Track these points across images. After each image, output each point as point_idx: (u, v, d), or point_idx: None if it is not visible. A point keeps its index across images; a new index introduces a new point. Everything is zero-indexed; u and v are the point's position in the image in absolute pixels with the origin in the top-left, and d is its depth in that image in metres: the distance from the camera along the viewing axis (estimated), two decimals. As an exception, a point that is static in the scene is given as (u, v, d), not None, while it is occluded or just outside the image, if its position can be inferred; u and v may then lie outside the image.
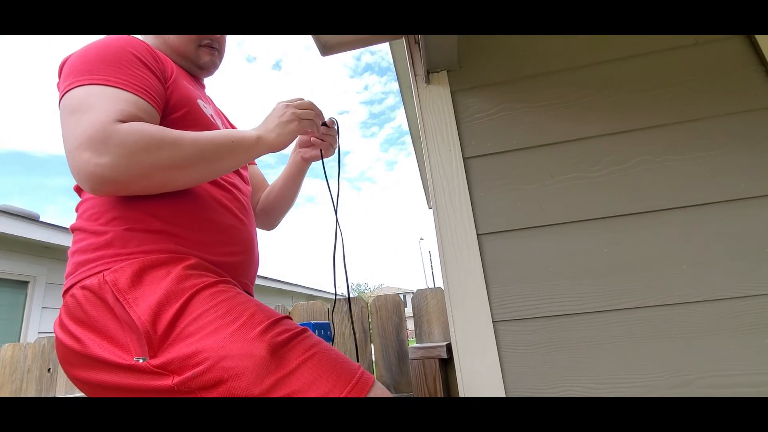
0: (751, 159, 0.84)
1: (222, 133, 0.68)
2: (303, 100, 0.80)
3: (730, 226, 0.81)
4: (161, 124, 0.69)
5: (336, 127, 0.91)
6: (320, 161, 0.90)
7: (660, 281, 0.81)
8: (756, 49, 0.89)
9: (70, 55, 0.68)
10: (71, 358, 0.59)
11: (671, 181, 0.86)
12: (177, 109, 0.72)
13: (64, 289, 0.63)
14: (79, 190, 0.72)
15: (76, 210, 0.71)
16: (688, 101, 0.89)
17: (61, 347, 0.60)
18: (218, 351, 0.52)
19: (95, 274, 0.60)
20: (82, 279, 0.60)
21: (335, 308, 1.21)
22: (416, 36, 1.06)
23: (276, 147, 0.73)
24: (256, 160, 1.04)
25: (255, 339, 0.54)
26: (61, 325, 0.60)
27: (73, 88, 0.62)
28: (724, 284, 0.78)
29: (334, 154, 0.93)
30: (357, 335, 1.25)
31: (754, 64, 0.89)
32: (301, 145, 0.95)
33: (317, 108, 0.82)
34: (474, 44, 1.03)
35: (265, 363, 0.52)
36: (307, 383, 0.52)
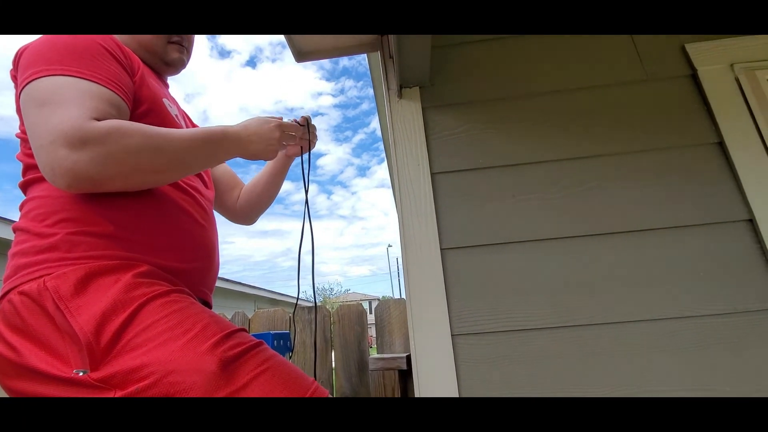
0: (692, 190, 0.91)
1: (201, 135, 0.67)
2: (295, 124, 0.85)
3: (672, 251, 0.88)
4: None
5: (309, 124, 0.93)
6: (306, 157, 0.95)
7: (607, 300, 0.86)
8: (700, 89, 0.97)
9: (30, 44, 0.64)
10: (5, 367, 0.55)
11: (620, 207, 0.91)
12: (141, 104, 0.70)
13: (0, 293, 0.59)
14: (24, 186, 0.68)
15: (20, 208, 0.66)
16: (638, 133, 0.96)
17: None
18: (165, 365, 0.50)
19: (35, 279, 0.56)
20: (21, 284, 0.56)
21: (297, 317, 1.20)
22: (390, 50, 1.08)
23: (251, 158, 0.76)
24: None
25: (206, 353, 0.52)
26: None
27: (40, 77, 0.59)
28: (664, 305, 0.84)
29: (313, 147, 0.98)
30: (318, 344, 1.24)
31: (697, 103, 0.97)
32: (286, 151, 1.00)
33: (305, 134, 0.90)
34: (446, 63, 1.06)
35: (215, 378, 0.50)
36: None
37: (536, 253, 0.90)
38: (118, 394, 0.49)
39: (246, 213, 1.04)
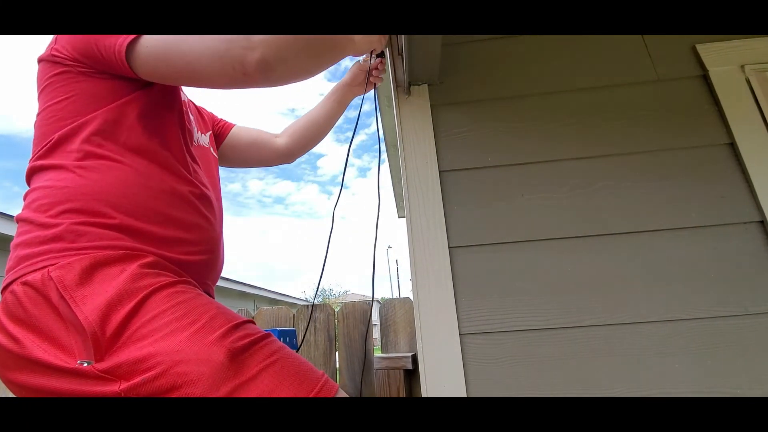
0: (701, 192, 0.90)
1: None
2: None
3: (681, 252, 0.87)
4: (147, 92, 0.71)
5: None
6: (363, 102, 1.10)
7: (616, 301, 0.85)
8: (711, 89, 0.97)
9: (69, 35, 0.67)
10: (6, 359, 0.54)
11: (629, 207, 0.91)
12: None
13: (3, 285, 0.58)
14: (29, 175, 0.67)
15: (24, 198, 0.65)
16: (648, 133, 0.95)
17: None
18: (173, 355, 0.49)
19: (39, 269, 0.55)
20: (24, 274, 0.55)
21: (301, 315, 1.19)
22: (400, 47, 1.07)
23: (359, 51, 0.85)
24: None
25: (213, 343, 0.51)
26: None
27: (137, 39, 0.63)
28: (674, 306, 0.84)
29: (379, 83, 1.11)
30: (323, 343, 1.23)
31: (708, 104, 0.96)
32: (353, 83, 1.09)
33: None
34: (456, 61, 1.05)
35: (223, 369, 0.50)
36: (267, 391, 0.50)
37: (545, 253, 0.89)
38: (123, 385, 0.48)
39: (292, 151, 1.10)
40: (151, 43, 0.64)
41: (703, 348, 0.80)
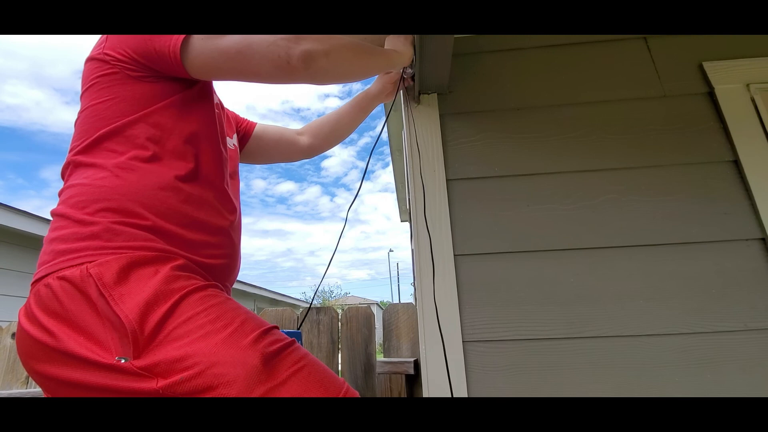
0: (704, 207, 0.91)
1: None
2: None
3: (683, 267, 0.88)
4: (186, 96, 0.73)
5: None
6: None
7: (619, 313, 0.86)
8: (716, 106, 0.98)
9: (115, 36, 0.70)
10: (36, 351, 0.55)
11: (634, 220, 0.92)
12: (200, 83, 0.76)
13: (35, 277, 0.59)
14: (66, 169, 0.69)
15: (59, 195, 0.67)
16: (653, 148, 0.97)
17: (27, 339, 0.56)
18: (210, 356, 0.51)
19: (77, 265, 0.56)
20: (61, 269, 0.57)
21: (306, 317, 1.20)
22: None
23: (406, 62, 0.91)
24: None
25: (248, 347, 0.53)
26: (30, 315, 0.56)
27: (186, 38, 0.66)
28: (675, 320, 0.85)
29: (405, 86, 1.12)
30: (325, 345, 1.24)
31: (713, 120, 0.97)
32: (380, 93, 1.11)
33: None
34: (465, 72, 1.07)
35: (257, 372, 0.51)
36: (295, 395, 0.52)
37: (549, 264, 0.90)
38: (161, 382, 0.49)
39: (314, 150, 1.14)
40: (204, 36, 0.68)
41: (702, 362, 0.81)
